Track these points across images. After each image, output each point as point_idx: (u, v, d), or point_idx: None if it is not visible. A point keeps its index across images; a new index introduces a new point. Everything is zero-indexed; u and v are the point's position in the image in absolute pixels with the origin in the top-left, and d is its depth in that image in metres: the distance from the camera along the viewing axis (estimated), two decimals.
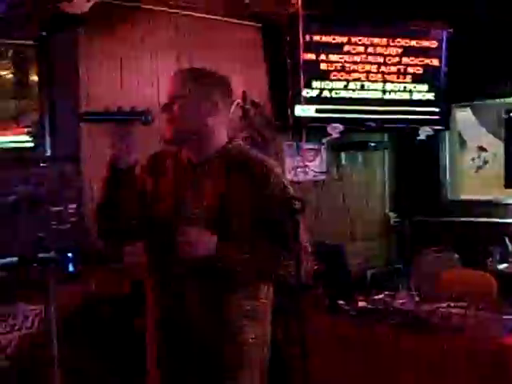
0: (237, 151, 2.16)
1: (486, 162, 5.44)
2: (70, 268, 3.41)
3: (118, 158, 2.04)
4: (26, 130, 3.54)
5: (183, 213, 2.10)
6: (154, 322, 2.18)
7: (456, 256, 4.96)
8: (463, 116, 5.56)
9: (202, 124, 2.10)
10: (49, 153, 3.50)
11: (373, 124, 5.05)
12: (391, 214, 5.75)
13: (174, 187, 2.14)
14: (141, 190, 2.16)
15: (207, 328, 2.09)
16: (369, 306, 3.39)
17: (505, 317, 2.83)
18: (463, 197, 5.58)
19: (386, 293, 3.51)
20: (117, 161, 2.04)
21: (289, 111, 4.64)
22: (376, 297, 3.50)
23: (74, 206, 3.42)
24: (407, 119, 5.14)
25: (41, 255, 3.40)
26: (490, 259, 4.69)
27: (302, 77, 4.58)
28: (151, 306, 2.20)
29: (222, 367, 2.11)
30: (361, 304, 3.45)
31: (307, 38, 4.61)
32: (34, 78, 3.50)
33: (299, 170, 5.03)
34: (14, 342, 3.38)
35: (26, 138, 3.54)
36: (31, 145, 3.58)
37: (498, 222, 5.09)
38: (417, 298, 3.34)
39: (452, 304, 3.08)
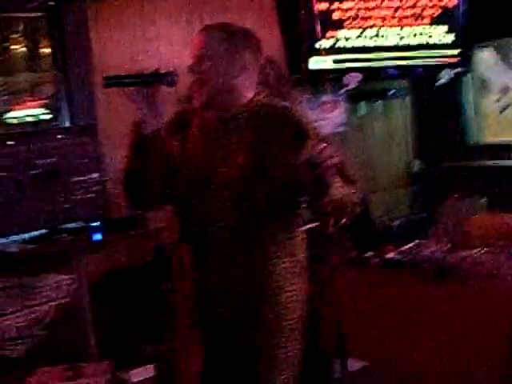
0: (264, 104, 2.11)
1: (509, 104, 5.32)
2: (97, 237, 3.45)
3: (142, 122, 2.00)
4: (41, 102, 3.52)
5: (215, 172, 2.05)
6: (191, 284, 2.15)
7: (483, 200, 4.90)
8: (485, 56, 5.41)
9: (232, 83, 2.04)
10: (67, 124, 3.49)
11: (391, 71, 4.96)
12: (415, 162, 5.68)
13: (202, 146, 2.10)
14: (166, 152, 2.09)
15: (248, 288, 2.07)
16: (397, 257, 3.36)
17: None
18: (488, 140, 5.47)
19: (416, 242, 3.48)
20: (142, 125, 2.00)
21: (304, 64, 4.56)
22: (404, 247, 3.47)
23: (96, 175, 3.44)
24: (427, 64, 5.03)
25: (67, 226, 3.44)
26: None
27: (316, 27, 4.49)
28: (187, 269, 2.18)
29: (264, 328, 2.09)
30: (389, 255, 3.43)
31: None
32: (47, 49, 3.47)
33: (318, 122, 4.97)
34: (50, 312, 3.44)
35: (43, 110, 3.53)
36: (48, 117, 3.58)
37: None
38: (446, 246, 3.30)
39: (483, 250, 3.03)
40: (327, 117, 5.00)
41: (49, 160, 3.33)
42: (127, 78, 1.99)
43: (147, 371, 3.45)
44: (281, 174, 2.01)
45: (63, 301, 3.51)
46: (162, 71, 1.98)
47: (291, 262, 2.11)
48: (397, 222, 5.25)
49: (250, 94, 2.10)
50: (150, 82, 1.96)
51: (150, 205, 2.28)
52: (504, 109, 5.38)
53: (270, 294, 2.08)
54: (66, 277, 3.53)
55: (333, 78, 4.70)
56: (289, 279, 2.10)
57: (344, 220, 2.15)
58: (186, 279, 2.20)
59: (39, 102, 3.47)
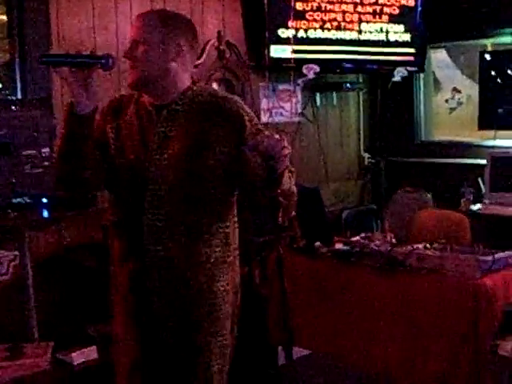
0: (203, 92, 2.12)
1: (460, 104, 5.44)
2: (45, 213, 3.37)
3: (77, 103, 1.95)
4: None
5: (150, 158, 2.04)
6: (126, 273, 2.13)
7: (429, 196, 5.01)
8: (438, 57, 5.52)
9: (166, 68, 2.04)
10: (19, 96, 3.40)
11: (348, 65, 5.01)
12: (365, 155, 5.76)
13: (138, 132, 2.08)
14: (101, 136, 2.08)
15: (181, 277, 2.07)
16: (345, 248, 3.41)
17: (480, 257, 2.86)
18: (437, 138, 5.60)
19: (363, 235, 3.54)
20: (76, 106, 1.96)
21: (264, 52, 4.55)
22: (352, 238, 3.52)
23: (47, 150, 3.35)
24: (383, 60, 5.10)
25: (14, 200, 3.36)
26: (463, 200, 4.74)
27: (278, 16, 4.49)
28: (119, 255, 2.15)
29: (198, 316, 2.10)
30: (337, 246, 3.47)
31: None
32: (3, 17, 3.36)
33: (274, 111, 4.99)
34: None
35: None
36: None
37: (471, 164, 5.12)
38: (393, 240, 3.37)
39: (428, 245, 3.10)
40: (283, 106, 5.02)
41: None
42: (63, 57, 1.96)
43: (90, 353, 3.40)
44: (217, 162, 2.03)
45: (4, 278, 3.43)
46: (99, 53, 1.96)
47: (224, 252, 2.13)
48: (346, 213, 5.32)
49: (186, 81, 2.11)
50: (85, 63, 1.93)
51: (81, 190, 2.21)
52: (453, 109, 5.51)
53: (203, 282, 2.09)
54: (8, 253, 3.45)
55: (291, 67, 4.71)
56: (222, 268, 2.12)
57: (292, 210, 2.18)
58: (116, 265, 2.17)
59: None
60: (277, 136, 1.89)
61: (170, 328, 2.11)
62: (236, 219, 2.20)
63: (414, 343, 2.90)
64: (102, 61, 1.93)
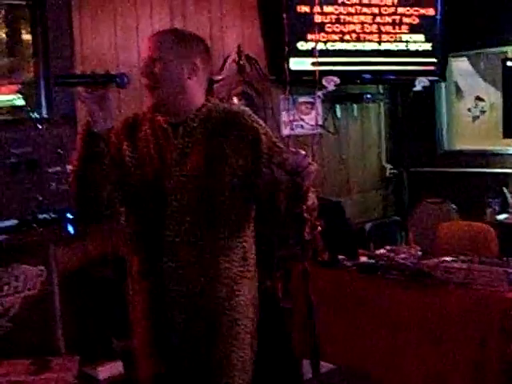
0: (217, 108, 2.14)
1: (483, 112, 5.41)
2: (70, 229, 3.40)
3: (93, 122, 1.97)
4: (18, 88, 3.46)
5: (168, 177, 2.06)
6: (145, 290, 2.14)
7: (454, 207, 4.97)
8: (460, 66, 5.50)
9: (183, 86, 2.07)
10: (44, 113, 3.43)
11: (368, 76, 5.00)
12: (388, 166, 5.73)
13: (155, 150, 2.09)
14: (117, 155, 2.09)
15: (201, 292, 2.07)
16: (370, 261, 3.38)
17: (509, 270, 2.82)
18: (460, 147, 5.56)
19: (388, 247, 3.51)
20: (92, 125, 1.97)
21: (284, 65, 4.56)
22: (377, 251, 3.50)
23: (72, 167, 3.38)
24: (403, 70, 5.08)
25: (40, 217, 3.39)
26: (489, 210, 4.70)
27: (297, 29, 4.50)
28: (138, 272, 2.15)
29: (218, 332, 2.10)
30: (362, 259, 3.45)
31: None
32: (28, 37, 3.41)
33: (295, 123, 4.99)
34: (16, 304, 3.38)
35: (20, 96, 3.47)
36: (23, 103, 3.51)
37: (495, 173, 5.08)
38: (418, 253, 3.34)
39: (455, 258, 3.07)
40: (304, 118, 5.02)
41: (24, 149, 3.27)
42: (78, 78, 2.00)
43: (116, 367, 3.41)
44: (234, 176, 2.04)
45: (31, 293, 3.45)
46: (113, 72, 1.99)
47: (243, 266, 2.13)
48: (369, 225, 5.29)
49: (201, 99, 2.13)
50: (100, 82, 1.95)
51: (99, 212, 2.18)
52: (476, 118, 5.47)
53: (223, 297, 2.09)
54: (35, 268, 3.47)
55: (311, 80, 4.71)
56: (241, 282, 2.13)
57: (319, 224, 2.17)
58: (135, 282, 2.18)
59: (16, 87, 3.41)
60: (303, 152, 1.90)
61: (190, 343, 2.10)
62: (253, 234, 2.21)
63: (441, 358, 2.86)
64: (117, 79, 1.96)
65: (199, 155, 2.06)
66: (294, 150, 1.96)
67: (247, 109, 2.22)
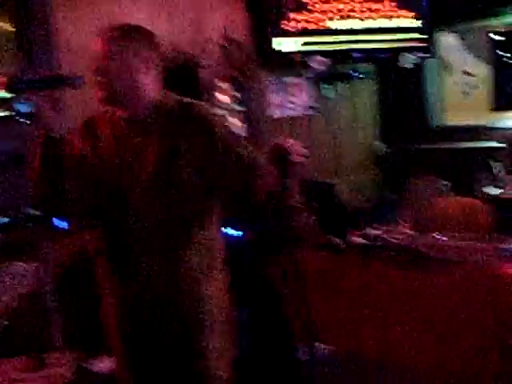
0: (171, 101, 2.15)
1: (471, 87, 5.39)
2: (62, 224, 3.37)
3: (49, 124, 1.99)
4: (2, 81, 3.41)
5: (126, 174, 2.07)
6: (111, 290, 2.18)
7: (446, 183, 4.96)
8: (448, 41, 5.47)
9: (133, 81, 2.07)
10: (30, 108, 3.39)
11: (357, 54, 4.96)
12: (379, 144, 5.72)
13: (114, 149, 2.10)
14: (78, 156, 2.11)
15: (168, 286, 2.10)
16: (364, 242, 3.38)
17: (500, 245, 2.83)
18: (450, 123, 5.55)
19: (382, 228, 3.50)
20: (48, 127, 1.99)
21: (269, 47, 4.53)
22: (371, 232, 3.49)
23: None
24: (392, 47, 5.05)
25: (31, 213, 3.36)
26: (481, 185, 4.69)
27: (283, 9, 4.46)
28: (104, 275, 2.20)
29: (186, 323, 2.13)
30: (356, 240, 3.44)
31: None
32: (9, 28, 3.35)
33: (284, 105, 4.96)
34: (12, 301, 3.37)
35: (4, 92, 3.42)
36: (8, 96, 3.46)
37: (486, 147, 5.07)
38: (412, 231, 3.33)
39: (449, 235, 3.07)
40: (293, 100, 4.98)
41: (12, 145, 3.24)
42: (32, 82, 2.00)
43: (113, 361, 3.40)
44: (192, 168, 2.05)
45: (26, 290, 3.44)
46: (66, 74, 2.03)
47: (209, 258, 2.15)
48: (362, 205, 5.29)
49: (155, 92, 2.13)
50: (53, 85, 1.98)
51: (63, 210, 2.25)
52: (465, 93, 5.45)
53: (189, 290, 2.11)
54: (29, 265, 3.46)
55: (299, 60, 4.67)
56: (208, 275, 2.14)
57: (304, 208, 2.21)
58: (103, 281, 2.22)
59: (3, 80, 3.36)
60: (291, 140, 1.92)
61: (160, 335, 2.13)
62: (219, 226, 2.22)
63: (438, 336, 2.87)
64: (70, 81, 1.99)
65: (155, 151, 2.07)
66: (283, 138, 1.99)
67: (202, 102, 2.22)
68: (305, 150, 1.96)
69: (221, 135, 2.09)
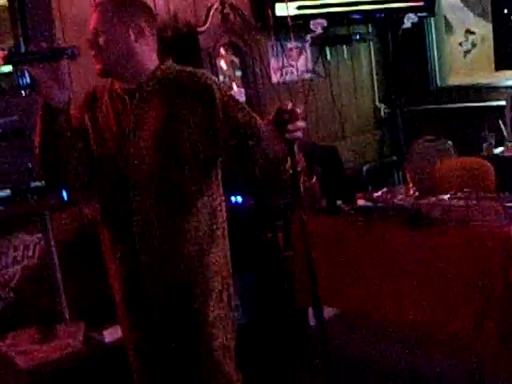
0: (171, 70, 2.16)
1: (474, 45, 5.31)
2: (64, 195, 3.36)
3: (49, 96, 2.00)
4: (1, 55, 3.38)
5: (128, 143, 2.09)
6: (118, 258, 2.19)
7: (450, 144, 4.92)
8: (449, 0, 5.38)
9: (129, 51, 2.08)
10: (29, 80, 3.36)
11: (356, 16, 4.90)
12: (381, 106, 5.67)
13: (114, 120, 2.12)
14: (81, 127, 2.14)
15: (170, 253, 2.11)
16: (368, 205, 3.37)
17: (507, 204, 2.81)
18: (453, 82, 5.48)
19: (385, 189, 3.49)
20: (49, 100, 2.00)
21: (269, 11, 4.47)
22: (374, 194, 3.48)
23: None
24: (391, 8, 4.97)
25: (33, 185, 3.35)
26: (485, 144, 4.65)
27: None
28: (110, 242, 2.21)
29: (189, 289, 2.14)
30: (360, 203, 3.43)
31: None
32: (4, 1, 3.31)
33: (284, 70, 4.91)
34: (17, 273, 3.38)
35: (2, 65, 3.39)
36: (9, 70, 3.43)
37: (489, 106, 5.02)
38: (416, 193, 3.32)
39: (452, 195, 3.05)
40: (293, 64, 4.93)
41: (11, 118, 3.22)
42: (30, 54, 2.00)
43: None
44: (193, 135, 2.06)
45: (31, 261, 3.45)
46: (63, 46, 2.08)
47: (212, 223, 2.16)
48: (366, 167, 5.26)
49: (153, 61, 2.15)
50: (51, 57, 1.97)
51: (69, 182, 2.25)
52: (467, 52, 5.38)
53: (193, 255, 2.12)
54: (33, 237, 3.46)
55: (298, 24, 4.61)
56: (211, 240, 2.16)
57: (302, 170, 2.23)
58: (109, 252, 2.24)
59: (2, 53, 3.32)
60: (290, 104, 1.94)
61: (164, 306, 2.15)
62: (222, 192, 2.24)
63: (443, 296, 2.87)
64: (68, 52, 1.98)
65: (156, 119, 2.08)
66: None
67: (202, 69, 2.26)
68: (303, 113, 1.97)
69: (221, 101, 2.07)
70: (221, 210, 2.21)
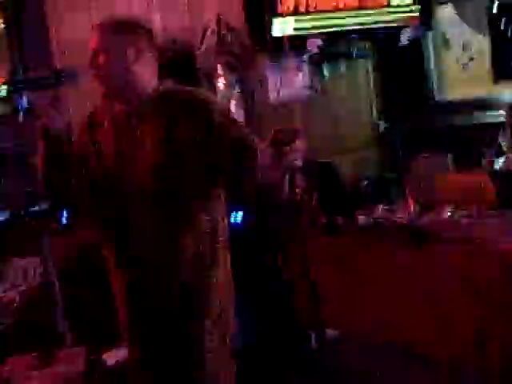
0: (168, 90, 2.17)
1: (471, 59, 5.32)
2: (63, 220, 3.37)
3: (49, 120, 2.03)
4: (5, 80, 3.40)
5: (127, 164, 2.10)
6: (119, 281, 2.21)
7: (449, 159, 4.91)
8: (445, 14, 5.39)
9: (129, 73, 2.09)
10: (26, 104, 3.37)
11: (353, 34, 4.91)
12: (380, 122, 5.66)
13: (114, 142, 2.13)
14: (82, 151, 2.16)
15: (169, 272, 2.11)
16: (368, 222, 3.35)
17: (506, 222, 2.79)
18: (451, 97, 5.48)
19: (385, 206, 3.47)
20: (49, 124, 2.03)
21: (266, 31, 4.49)
22: (374, 211, 3.46)
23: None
24: (388, 24, 4.98)
25: (33, 209, 3.36)
26: (485, 159, 4.63)
27: None
28: (112, 265, 2.22)
29: (188, 308, 2.13)
30: (360, 220, 3.41)
31: None
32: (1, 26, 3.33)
33: (282, 89, 4.91)
34: (16, 297, 3.37)
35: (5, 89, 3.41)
36: (4, 94, 3.44)
37: (489, 120, 5.01)
38: (416, 210, 3.30)
39: (452, 213, 3.03)
40: (291, 81, 4.94)
41: (10, 142, 3.23)
42: (29, 82, 2.07)
43: (122, 351, 3.40)
44: (190, 155, 2.06)
45: (30, 285, 3.44)
46: (62, 71, 2.06)
47: (213, 239, 2.15)
48: (365, 183, 5.24)
49: (152, 82, 2.15)
50: (50, 84, 2.01)
51: (71, 205, 2.32)
52: (465, 66, 5.38)
53: (192, 274, 2.12)
54: (32, 260, 3.46)
55: (296, 43, 4.62)
56: (210, 261, 2.15)
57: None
58: (111, 271, 2.25)
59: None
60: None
61: (163, 326, 2.14)
62: (224, 212, 2.23)
63: (445, 316, 2.84)
64: (66, 76, 2.02)
65: (154, 139, 2.08)
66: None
67: (200, 89, 2.30)
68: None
69: (218, 121, 2.07)
70: (223, 232, 2.20)
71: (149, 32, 2.19)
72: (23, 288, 3.39)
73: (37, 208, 3.30)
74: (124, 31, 2.11)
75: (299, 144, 1.94)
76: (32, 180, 3.30)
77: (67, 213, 3.31)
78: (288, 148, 1.93)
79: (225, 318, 2.20)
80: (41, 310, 3.39)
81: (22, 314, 3.36)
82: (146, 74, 2.13)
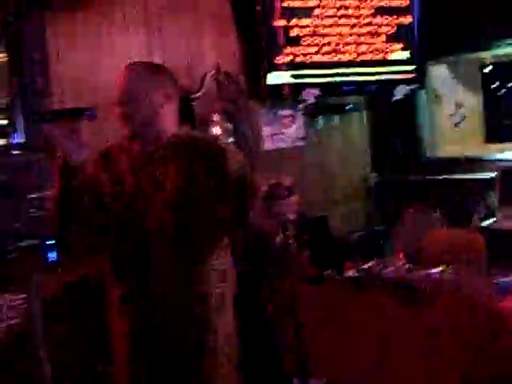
0: (187, 135, 2.22)
1: (463, 118, 5.41)
2: (52, 256, 3.34)
3: (67, 156, 2.05)
4: None
5: (146, 203, 2.12)
6: (125, 317, 2.20)
7: (439, 215, 4.94)
8: (439, 72, 5.51)
9: (155, 116, 2.13)
10: (21, 138, 3.38)
11: (348, 87, 4.99)
12: (371, 176, 5.72)
13: (132, 180, 2.15)
14: (95, 187, 2.18)
15: (177, 314, 2.13)
16: (358, 275, 3.35)
17: (498, 280, 2.80)
18: (443, 154, 5.56)
19: (375, 261, 3.48)
20: (66, 160, 2.05)
21: (262, 80, 4.56)
22: (365, 265, 3.46)
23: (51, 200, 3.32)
24: (383, 80, 5.08)
25: (21, 244, 3.33)
26: (475, 216, 4.67)
27: (275, 43, 4.50)
28: (119, 301, 2.22)
29: (197, 359, 2.14)
30: (349, 273, 3.41)
31: (277, 4, 4.52)
32: (2, 58, 3.36)
33: (277, 137, 4.97)
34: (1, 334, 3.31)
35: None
36: (5, 127, 3.45)
37: (478, 178, 5.07)
38: (406, 265, 3.31)
39: (443, 269, 3.04)
40: (285, 131, 4.99)
41: (2, 176, 3.23)
42: (51, 115, 2.09)
43: None
44: (208, 200, 2.10)
45: (14, 322, 3.38)
46: (83, 107, 2.08)
47: (223, 287, 2.19)
48: (355, 236, 5.26)
49: (174, 126, 2.20)
50: (71, 118, 2.03)
51: (83, 246, 2.30)
52: (457, 123, 5.47)
53: (202, 320, 2.14)
54: (17, 297, 3.40)
55: (291, 93, 4.70)
56: (220, 304, 2.18)
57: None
58: (115, 307, 2.24)
59: None
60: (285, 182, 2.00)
61: (170, 365, 2.14)
62: (231, 257, 2.27)
63: (432, 371, 2.83)
64: (87, 113, 2.04)
65: (173, 183, 2.12)
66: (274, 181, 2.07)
67: (218, 136, 2.35)
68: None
69: (234, 171, 2.12)
70: (231, 274, 2.25)
71: (173, 76, 2.25)
72: (7, 324, 3.34)
73: (26, 243, 3.27)
74: (155, 74, 2.17)
75: (293, 199, 1.98)
76: (22, 215, 3.30)
77: (59, 249, 3.29)
78: (282, 202, 1.97)
79: (228, 359, 2.22)
80: (24, 347, 3.33)
81: (5, 350, 3.29)
82: (170, 119, 2.18)
